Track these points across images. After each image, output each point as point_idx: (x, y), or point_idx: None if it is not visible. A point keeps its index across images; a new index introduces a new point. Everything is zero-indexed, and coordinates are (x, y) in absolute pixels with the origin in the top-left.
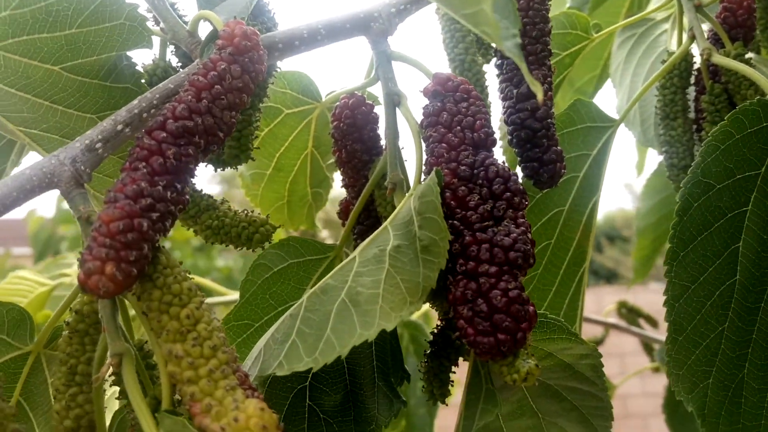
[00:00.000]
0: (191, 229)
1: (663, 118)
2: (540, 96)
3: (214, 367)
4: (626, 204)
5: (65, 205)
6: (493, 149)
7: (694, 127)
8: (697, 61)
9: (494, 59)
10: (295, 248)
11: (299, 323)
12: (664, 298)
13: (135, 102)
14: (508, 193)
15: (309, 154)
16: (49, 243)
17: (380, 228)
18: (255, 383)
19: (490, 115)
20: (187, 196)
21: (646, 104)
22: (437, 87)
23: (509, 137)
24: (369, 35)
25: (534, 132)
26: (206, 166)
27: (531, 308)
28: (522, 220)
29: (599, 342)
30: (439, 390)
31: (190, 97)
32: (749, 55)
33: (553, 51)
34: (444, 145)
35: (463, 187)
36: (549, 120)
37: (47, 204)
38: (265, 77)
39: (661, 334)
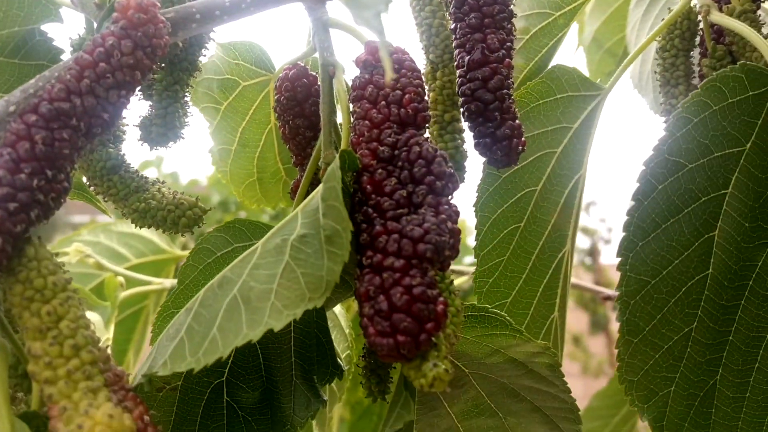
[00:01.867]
0: (121, 211)
1: (663, 84)
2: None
3: (75, 368)
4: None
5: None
6: (425, 126)
7: None
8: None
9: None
10: (241, 231)
11: (190, 319)
12: (617, 294)
13: (32, 81)
14: (430, 177)
15: (273, 127)
16: None
17: (291, 214)
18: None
19: (423, 89)
20: (66, 184)
21: None
22: (368, 57)
23: (462, 110)
24: (304, 0)
25: (485, 104)
26: (142, 144)
27: (440, 307)
28: (445, 207)
29: None
30: (377, 387)
31: (69, 76)
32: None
33: (544, 11)
34: (366, 122)
35: (381, 170)
36: (504, 91)
37: None
38: (194, 50)
39: None
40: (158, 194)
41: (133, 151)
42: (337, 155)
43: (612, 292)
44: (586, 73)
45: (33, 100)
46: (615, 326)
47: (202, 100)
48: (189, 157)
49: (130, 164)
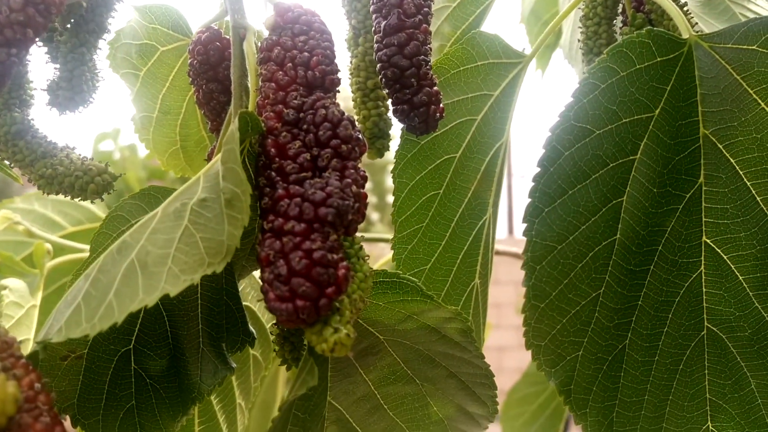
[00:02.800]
0: (27, 177)
1: (586, 52)
2: None
3: None
4: None
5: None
6: (334, 90)
7: None
8: None
9: None
10: (156, 198)
11: (88, 285)
12: (524, 260)
13: None
14: (336, 140)
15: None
16: None
17: (194, 178)
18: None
19: (333, 51)
20: None
21: None
22: (277, 19)
23: (379, 77)
24: None
25: (402, 70)
26: (51, 109)
27: (341, 272)
28: (351, 171)
29: None
30: (290, 354)
31: None
32: None
33: None
34: (272, 84)
35: (285, 133)
36: (421, 57)
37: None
38: (102, 11)
39: None
40: (66, 160)
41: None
42: (237, 117)
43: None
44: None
45: None
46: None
47: (122, 65)
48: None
49: (37, 129)
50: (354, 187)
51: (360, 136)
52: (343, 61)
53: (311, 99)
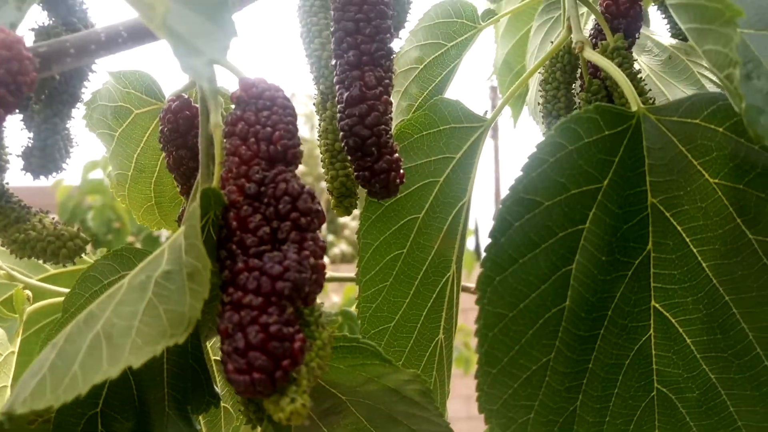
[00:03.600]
0: (1, 243)
1: (546, 115)
2: None
3: None
4: None
5: (92, 175)
6: (295, 163)
7: None
8: None
9: None
10: (128, 258)
11: (54, 355)
12: (476, 328)
13: None
14: (295, 213)
15: None
16: (76, 212)
17: (159, 249)
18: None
19: (295, 126)
20: None
21: None
22: (242, 93)
23: (342, 144)
24: None
25: (363, 140)
26: (25, 174)
27: (296, 344)
28: (310, 243)
29: None
30: (254, 414)
31: None
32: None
33: (438, 42)
34: (236, 158)
35: (246, 206)
36: (381, 127)
37: (74, 173)
38: (75, 83)
39: None
40: (39, 225)
41: (82, 149)
42: (198, 194)
43: None
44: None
45: None
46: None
47: (98, 126)
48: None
49: (12, 194)
50: (312, 259)
51: (319, 208)
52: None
53: (272, 173)
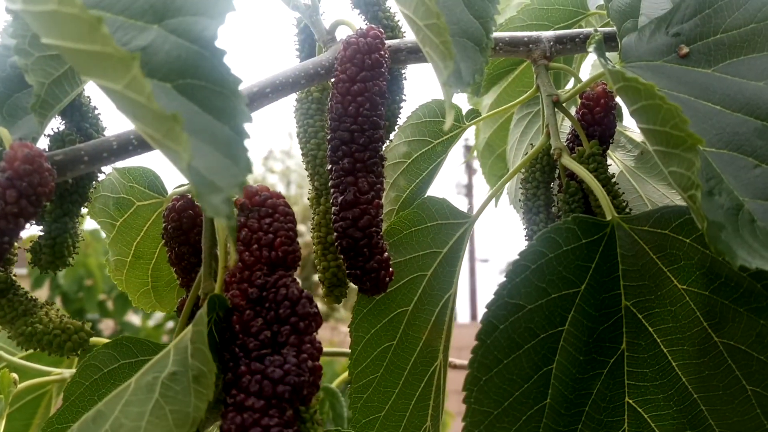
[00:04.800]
0: (8, 335)
1: (526, 212)
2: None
3: None
4: None
5: None
6: (294, 267)
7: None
8: None
9: None
10: (128, 348)
11: None
12: (462, 425)
13: None
14: (294, 318)
15: None
16: None
17: (165, 350)
18: None
19: (295, 233)
20: None
21: None
22: (245, 201)
23: (335, 243)
24: None
25: (356, 241)
26: (33, 267)
27: None
28: (308, 345)
29: None
30: None
31: None
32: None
33: (425, 139)
34: (239, 264)
35: (249, 311)
36: (373, 229)
37: None
38: (85, 183)
39: None
40: (45, 318)
41: None
42: (206, 301)
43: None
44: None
45: None
46: None
47: (99, 214)
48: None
49: (20, 287)
50: (310, 362)
51: (316, 311)
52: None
53: (273, 278)
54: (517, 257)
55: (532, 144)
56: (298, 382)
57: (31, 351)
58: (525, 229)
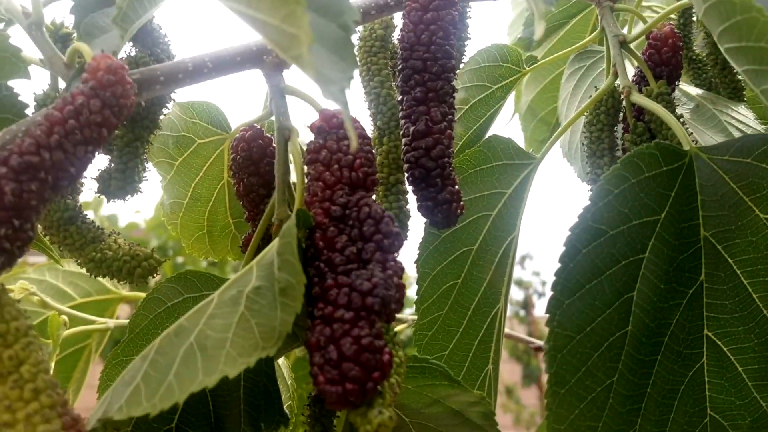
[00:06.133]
0: (76, 261)
1: (590, 155)
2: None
3: (34, 411)
4: None
5: None
6: (373, 189)
7: None
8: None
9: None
10: (192, 282)
11: (147, 366)
12: (546, 348)
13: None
14: (378, 236)
15: (225, 183)
16: None
17: (246, 267)
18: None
19: (373, 155)
20: (31, 233)
21: None
22: (322, 123)
23: (407, 175)
24: (263, 68)
25: (428, 171)
26: (99, 196)
27: (385, 357)
28: (392, 263)
29: None
30: None
31: (39, 132)
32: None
33: (483, 84)
34: (320, 183)
35: (332, 228)
36: (445, 159)
37: None
38: (156, 109)
39: None
40: (114, 245)
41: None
42: (293, 213)
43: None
44: (521, 139)
45: (2, 153)
46: (546, 378)
47: (157, 155)
48: (128, 201)
49: (86, 215)
50: (395, 279)
51: (399, 230)
52: None
53: (355, 197)
54: (601, 181)
55: (591, 94)
56: (386, 295)
57: (77, 302)
58: (588, 173)
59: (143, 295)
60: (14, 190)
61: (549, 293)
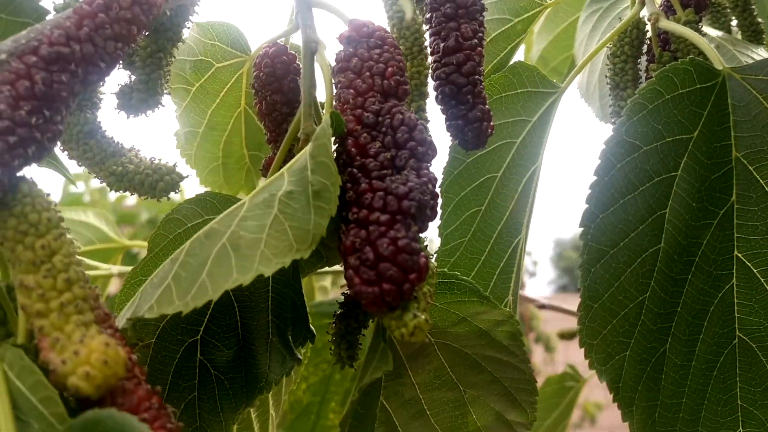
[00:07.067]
0: (96, 176)
1: (613, 88)
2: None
3: (67, 301)
4: None
5: (73, 188)
6: (405, 99)
7: None
8: (649, 29)
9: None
10: (212, 203)
11: (177, 267)
12: (580, 261)
13: (23, 32)
14: (413, 143)
15: (242, 111)
16: None
17: (276, 174)
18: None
19: (404, 64)
20: (61, 126)
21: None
22: (352, 33)
23: (435, 93)
24: None
25: (459, 87)
26: (119, 113)
27: (422, 260)
28: (426, 171)
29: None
30: (346, 353)
31: (69, 23)
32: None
33: (504, 17)
34: (351, 90)
35: (365, 134)
36: (476, 76)
37: (55, 188)
38: (180, 21)
39: None
40: (136, 159)
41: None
42: (327, 115)
43: (544, 300)
44: None
45: (32, 43)
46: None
47: (174, 81)
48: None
49: (105, 130)
50: (430, 185)
51: (433, 140)
52: None
53: (387, 105)
54: (636, 95)
55: (613, 28)
56: (422, 199)
57: (81, 250)
58: (611, 106)
59: (145, 243)
60: (45, 80)
61: (582, 207)
